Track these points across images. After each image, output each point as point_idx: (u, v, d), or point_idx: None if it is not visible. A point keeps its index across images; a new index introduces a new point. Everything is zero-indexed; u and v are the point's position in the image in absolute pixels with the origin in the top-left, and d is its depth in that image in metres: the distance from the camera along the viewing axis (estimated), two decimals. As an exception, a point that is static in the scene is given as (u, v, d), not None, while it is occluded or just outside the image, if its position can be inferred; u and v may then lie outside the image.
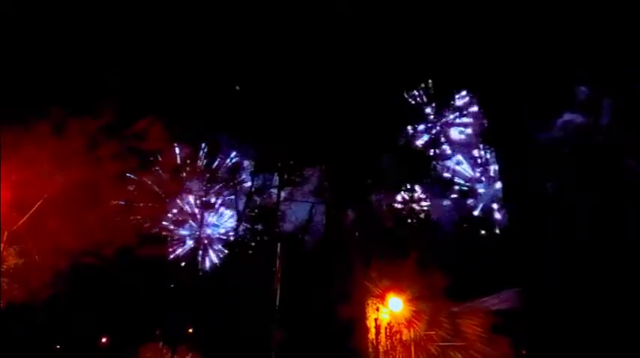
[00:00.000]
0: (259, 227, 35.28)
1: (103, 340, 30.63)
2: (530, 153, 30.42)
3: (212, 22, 29.00)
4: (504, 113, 31.51)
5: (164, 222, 33.19)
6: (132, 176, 29.25)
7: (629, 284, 25.97)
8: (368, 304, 29.92)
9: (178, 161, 33.73)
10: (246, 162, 35.03)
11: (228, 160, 34.69)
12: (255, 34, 29.47)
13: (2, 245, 20.69)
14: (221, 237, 34.59)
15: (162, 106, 27.88)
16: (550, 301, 26.70)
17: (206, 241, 34.26)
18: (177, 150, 33.51)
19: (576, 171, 28.73)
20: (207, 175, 34.50)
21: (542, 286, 27.20)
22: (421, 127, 37.06)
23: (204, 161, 34.48)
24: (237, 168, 34.82)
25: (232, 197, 34.85)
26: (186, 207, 34.06)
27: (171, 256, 33.30)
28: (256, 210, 35.34)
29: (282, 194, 34.42)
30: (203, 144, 34.12)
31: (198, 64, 29.55)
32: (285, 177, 34.29)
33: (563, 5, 28.05)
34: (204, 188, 34.30)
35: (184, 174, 33.81)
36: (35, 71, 24.52)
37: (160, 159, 32.06)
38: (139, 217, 29.83)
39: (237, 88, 31.37)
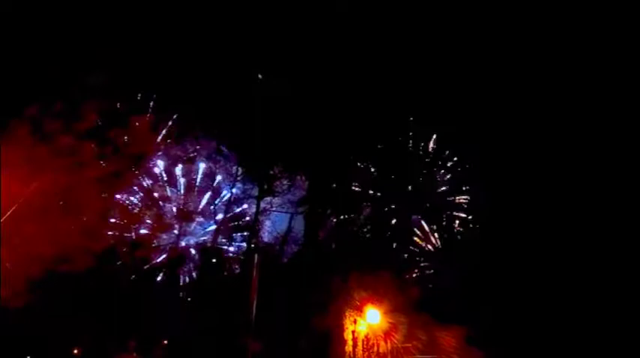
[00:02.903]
0: (238, 237, 35.03)
1: (75, 351, 29.85)
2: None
3: (204, 21, 28.76)
4: None
5: (142, 231, 32.69)
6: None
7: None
8: (346, 316, 30.03)
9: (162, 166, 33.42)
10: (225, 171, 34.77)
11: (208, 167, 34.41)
12: (250, 34, 29.33)
13: None
14: (199, 246, 34.20)
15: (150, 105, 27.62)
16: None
17: (183, 251, 33.82)
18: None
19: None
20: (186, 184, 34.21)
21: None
22: None
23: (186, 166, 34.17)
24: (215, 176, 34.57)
25: (211, 206, 34.53)
26: (165, 215, 33.64)
27: (147, 266, 32.74)
28: (235, 220, 35.13)
29: (262, 204, 34.31)
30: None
31: (188, 65, 29.23)
32: (265, 187, 34.21)
33: None
34: (183, 196, 33.96)
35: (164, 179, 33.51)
36: (14, 69, 23.77)
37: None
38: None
39: (260, 76, 31.03)
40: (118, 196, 29.94)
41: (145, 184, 33.12)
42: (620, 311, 27.08)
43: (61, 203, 22.87)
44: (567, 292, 28.57)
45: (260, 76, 31.05)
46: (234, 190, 34.48)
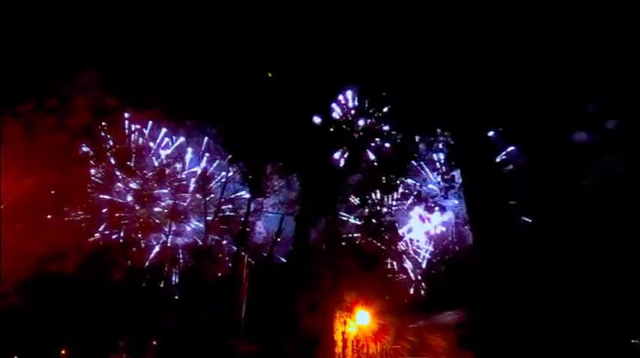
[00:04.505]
0: (227, 237, 34.89)
1: (63, 351, 29.56)
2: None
3: (202, 20, 28.47)
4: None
5: (131, 230, 32.50)
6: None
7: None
8: (336, 317, 30.11)
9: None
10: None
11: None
12: (249, 33, 29.04)
13: None
14: (189, 246, 34.06)
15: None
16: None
17: (173, 251, 33.67)
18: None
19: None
20: (177, 183, 34.03)
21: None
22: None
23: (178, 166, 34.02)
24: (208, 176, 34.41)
25: (201, 206, 34.37)
26: (154, 214, 33.46)
27: (137, 265, 32.51)
28: (225, 220, 35.00)
29: (253, 205, 34.23)
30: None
31: (185, 64, 28.99)
32: (257, 187, 34.10)
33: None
34: (174, 194, 33.82)
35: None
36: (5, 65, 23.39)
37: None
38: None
39: (270, 74, 30.82)
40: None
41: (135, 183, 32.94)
42: (615, 317, 27.25)
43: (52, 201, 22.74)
44: (560, 295, 28.67)
45: (270, 74, 30.80)
46: (225, 190, 34.40)
